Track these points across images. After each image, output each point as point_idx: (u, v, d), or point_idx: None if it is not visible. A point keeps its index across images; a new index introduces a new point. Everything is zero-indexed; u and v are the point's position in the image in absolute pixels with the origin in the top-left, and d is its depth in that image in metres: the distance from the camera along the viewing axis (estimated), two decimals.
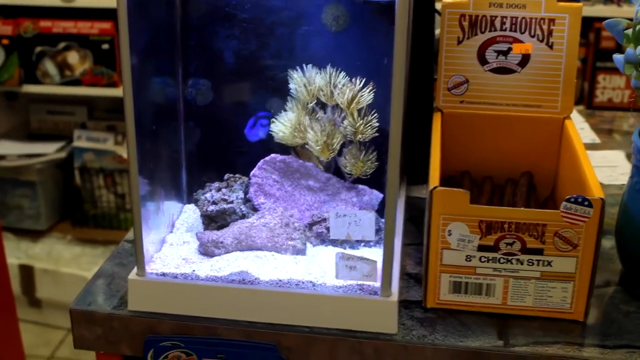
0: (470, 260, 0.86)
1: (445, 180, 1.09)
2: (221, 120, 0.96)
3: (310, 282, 0.83)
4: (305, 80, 0.91)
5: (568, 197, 0.82)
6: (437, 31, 1.10)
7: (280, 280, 0.83)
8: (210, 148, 0.97)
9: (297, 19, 0.91)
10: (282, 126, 0.91)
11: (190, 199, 0.97)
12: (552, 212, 0.83)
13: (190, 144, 0.96)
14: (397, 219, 0.98)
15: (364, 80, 0.90)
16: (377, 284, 0.82)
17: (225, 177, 0.94)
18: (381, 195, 0.94)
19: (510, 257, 0.85)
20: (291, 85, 0.92)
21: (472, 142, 1.08)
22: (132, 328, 0.84)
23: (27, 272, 2.59)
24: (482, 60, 1.05)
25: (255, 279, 0.83)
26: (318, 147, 0.90)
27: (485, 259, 0.85)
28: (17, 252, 2.62)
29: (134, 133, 0.79)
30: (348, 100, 0.89)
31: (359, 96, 0.89)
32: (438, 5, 1.08)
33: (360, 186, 0.94)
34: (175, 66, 0.92)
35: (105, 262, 0.94)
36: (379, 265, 0.81)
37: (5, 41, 2.54)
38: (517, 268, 0.85)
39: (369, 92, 0.89)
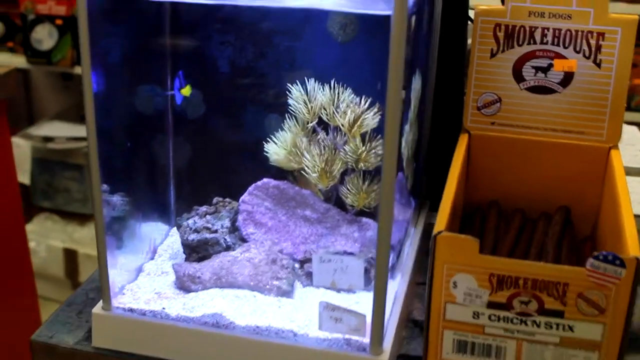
0: (478, 318, 0.74)
1: (471, 211, 0.97)
2: (214, 137, 0.86)
3: (292, 331, 0.73)
4: (306, 97, 0.80)
5: (595, 253, 0.69)
6: (470, 41, 0.98)
7: (257, 327, 0.74)
8: (203, 166, 0.88)
9: (299, 29, 0.81)
10: (277, 147, 0.81)
11: (181, 220, 0.88)
12: (575, 269, 0.70)
13: (181, 161, 0.87)
14: (406, 254, 0.87)
15: (369, 101, 0.79)
16: (366, 340, 0.72)
17: (214, 201, 0.84)
18: None
19: (525, 318, 0.73)
20: (290, 101, 0.82)
21: (502, 169, 0.96)
22: None
23: (71, 256, 2.57)
24: (518, 77, 0.92)
25: (230, 323, 0.74)
26: (315, 174, 0.80)
27: (496, 318, 0.74)
28: (63, 235, 2.61)
29: (96, 146, 0.70)
30: (350, 123, 0.78)
31: (362, 118, 0.78)
32: (471, 13, 0.96)
33: (364, 219, 0.83)
34: (163, 77, 0.83)
35: (83, 285, 0.86)
36: (369, 319, 0.71)
37: (59, 21, 2.50)
38: (532, 331, 0.73)
39: (374, 114, 0.78)
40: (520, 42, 0.92)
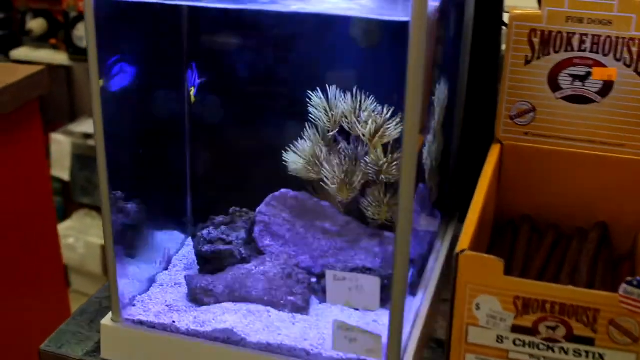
0: (502, 342, 0.70)
1: (503, 224, 0.93)
2: (233, 144, 0.84)
3: (304, 349, 0.70)
4: (326, 105, 0.77)
5: (629, 279, 0.65)
6: (504, 47, 0.93)
7: (269, 344, 0.71)
8: (221, 175, 0.85)
9: (320, 35, 0.77)
10: (296, 157, 0.78)
11: (196, 229, 0.85)
12: (607, 295, 0.66)
13: (198, 169, 0.85)
14: (430, 269, 0.83)
15: (391, 110, 0.75)
16: None
17: (231, 210, 0.82)
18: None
19: (552, 344, 0.68)
20: (310, 109, 0.78)
21: (536, 182, 0.91)
22: None
23: None
24: (554, 86, 0.88)
25: (242, 339, 0.71)
26: (334, 185, 0.77)
27: (521, 343, 0.69)
28: (101, 232, 2.62)
29: (104, 152, 0.68)
30: (371, 133, 0.75)
31: (384, 128, 0.74)
32: (506, 17, 0.91)
33: (386, 233, 0.79)
34: (181, 82, 0.81)
35: (96, 293, 0.84)
36: (385, 339, 0.67)
37: None
38: (560, 358, 0.69)
39: (397, 124, 0.74)
40: (557, 49, 0.87)
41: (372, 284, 0.66)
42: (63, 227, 2.50)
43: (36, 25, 2.53)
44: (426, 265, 0.83)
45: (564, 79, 0.87)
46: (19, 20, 2.54)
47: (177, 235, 0.85)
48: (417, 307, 0.78)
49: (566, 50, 0.87)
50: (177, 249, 0.85)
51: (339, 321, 0.68)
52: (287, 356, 0.70)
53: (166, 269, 0.82)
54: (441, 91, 0.76)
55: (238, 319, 0.73)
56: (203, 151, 0.84)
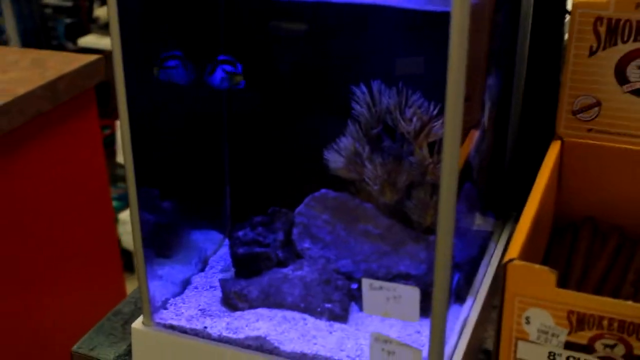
0: (554, 359, 0.64)
1: (563, 226, 0.86)
2: (274, 141, 0.80)
3: None
4: (369, 100, 0.72)
5: None
6: (566, 37, 0.86)
7: (304, 354, 0.67)
8: (262, 173, 0.81)
9: (365, 27, 0.73)
10: (337, 155, 0.74)
11: (234, 230, 0.82)
12: None
13: (238, 167, 0.81)
14: (482, 274, 0.78)
15: (439, 107, 0.70)
16: None
17: (270, 210, 0.78)
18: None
19: None
20: (353, 105, 0.74)
21: (600, 182, 0.85)
22: None
23: None
24: (621, 78, 0.81)
25: (275, 348, 0.68)
26: (377, 186, 0.72)
27: None
28: None
29: (130, 146, 0.65)
30: (416, 131, 0.70)
31: (430, 126, 0.69)
32: (569, 4, 0.85)
33: (432, 237, 0.74)
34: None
35: (132, 293, 0.82)
36: (425, 353, 0.63)
37: None
38: None
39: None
40: (625, 39, 0.80)
41: (412, 294, 0.62)
42: (127, 214, 2.52)
43: (103, 13, 2.56)
44: (477, 269, 0.78)
45: (632, 71, 0.80)
46: (87, 8, 2.57)
47: (215, 236, 0.82)
48: (464, 315, 0.73)
49: (635, 40, 0.80)
50: (214, 249, 0.82)
51: (376, 333, 0.64)
52: None
53: (202, 270, 0.79)
54: (493, 84, 0.71)
55: (272, 327, 0.69)
56: (243, 148, 0.81)
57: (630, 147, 0.82)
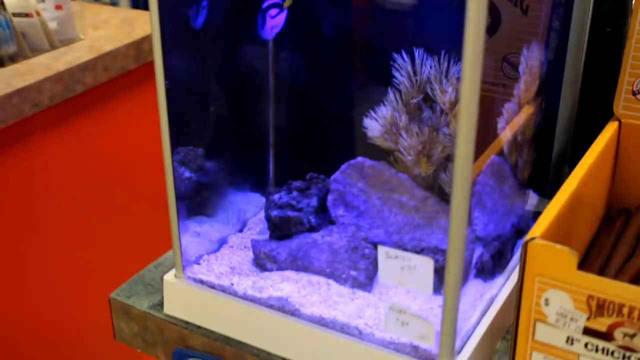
0: (572, 344, 0.62)
1: (617, 212, 0.83)
2: (317, 107, 0.80)
3: (357, 328, 0.66)
4: (410, 69, 0.72)
5: None
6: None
7: (322, 318, 0.68)
8: (304, 139, 0.82)
9: None
10: (375, 123, 0.73)
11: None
12: None
13: (281, 132, 0.82)
14: (516, 256, 0.76)
15: None
16: (435, 350, 0.63)
17: (307, 176, 0.79)
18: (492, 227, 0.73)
19: (629, 354, 0.60)
20: (394, 73, 0.73)
21: None
22: (165, 334, 0.75)
23: None
24: None
25: (296, 309, 0.69)
26: (410, 157, 0.72)
27: (593, 348, 0.61)
28: None
29: (165, 104, 0.67)
30: (451, 101, 0.69)
31: None
32: None
33: None
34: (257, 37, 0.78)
35: None
36: (437, 327, 0.62)
37: None
38: None
39: None
40: None
41: (425, 264, 0.61)
42: None
43: None
44: (513, 248, 0.76)
45: None
46: None
47: (257, 198, 0.83)
48: (492, 293, 0.71)
49: None
50: (255, 212, 0.83)
51: (392, 303, 0.64)
52: (339, 332, 0.67)
53: (240, 230, 0.81)
54: (534, 58, 0.68)
55: (296, 289, 0.70)
56: (286, 113, 0.82)
57: None
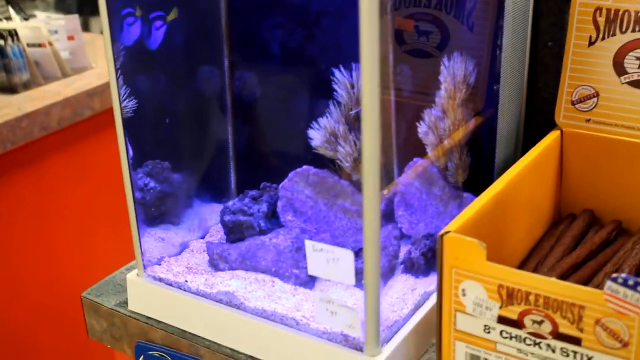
0: (489, 332, 0.66)
1: (564, 218, 0.86)
2: (271, 120, 0.86)
3: (294, 319, 0.71)
4: (348, 82, 0.77)
5: (614, 275, 0.59)
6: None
7: (264, 311, 0.73)
8: (261, 151, 0.88)
9: (348, 11, 0.78)
10: (317, 133, 0.79)
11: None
12: (591, 291, 0.60)
13: (241, 144, 0.89)
14: None
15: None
16: (362, 339, 0.68)
17: (261, 185, 0.85)
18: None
19: (538, 340, 0.64)
20: (334, 87, 0.79)
21: (599, 174, 0.85)
22: (129, 329, 0.81)
23: None
24: (619, 69, 0.81)
25: (241, 303, 0.74)
26: (348, 164, 0.77)
27: (508, 335, 0.65)
28: None
29: (120, 107, 0.74)
30: None
31: None
32: None
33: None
34: (221, 57, 0.85)
35: None
36: (361, 316, 0.67)
37: None
38: (547, 356, 0.64)
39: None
40: (624, 29, 0.80)
41: (347, 256, 0.66)
42: None
43: None
44: None
45: (630, 62, 0.80)
46: None
47: (219, 207, 0.89)
48: (428, 289, 0.75)
49: (634, 31, 0.80)
50: (217, 219, 0.89)
51: (322, 294, 0.69)
52: (278, 324, 0.72)
53: (202, 237, 0.87)
54: (457, 68, 0.73)
55: (243, 286, 0.76)
56: (244, 127, 0.88)
57: (629, 139, 0.81)
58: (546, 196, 0.85)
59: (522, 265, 0.81)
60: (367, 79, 0.59)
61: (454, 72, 0.73)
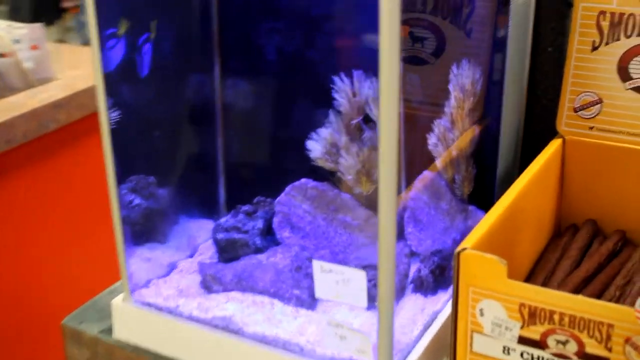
0: (509, 354, 0.63)
1: (565, 228, 0.84)
2: (263, 132, 0.82)
3: (298, 345, 0.67)
4: (350, 91, 0.73)
5: None
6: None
7: (265, 336, 0.68)
8: (253, 165, 0.84)
9: (348, 18, 0.74)
10: (316, 144, 0.75)
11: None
12: (621, 308, 0.57)
13: (231, 158, 0.84)
14: None
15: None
16: None
17: (255, 200, 0.80)
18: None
19: None
20: (334, 95, 0.75)
21: (602, 182, 0.82)
22: (114, 358, 0.75)
23: None
24: (624, 75, 0.78)
25: (239, 328, 0.69)
26: (350, 177, 0.73)
27: (529, 356, 0.62)
28: None
29: (107, 118, 0.69)
30: None
31: None
32: None
33: (406, 232, 0.74)
34: (212, 68, 0.80)
35: None
36: (373, 340, 0.63)
37: None
38: None
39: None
40: (629, 34, 0.78)
41: (358, 277, 0.62)
42: None
43: None
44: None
45: (635, 68, 0.78)
46: None
47: (208, 224, 0.84)
48: (436, 308, 0.72)
49: (639, 35, 0.77)
50: (206, 237, 0.84)
51: (329, 318, 0.64)
52: (281, 350, 0.67)
53: (191, 256, 0.82)
54: (465, 75, 0.70)
55: (240, 309, 0.71)
56: (234, 141, 0.83)
57: (633, 146, 0.79)
58: (548, 207, 0.82)
59: (528, 280, 0.77)
60: (385, 92, 0.55)
61: (462, 81, 0.69)
